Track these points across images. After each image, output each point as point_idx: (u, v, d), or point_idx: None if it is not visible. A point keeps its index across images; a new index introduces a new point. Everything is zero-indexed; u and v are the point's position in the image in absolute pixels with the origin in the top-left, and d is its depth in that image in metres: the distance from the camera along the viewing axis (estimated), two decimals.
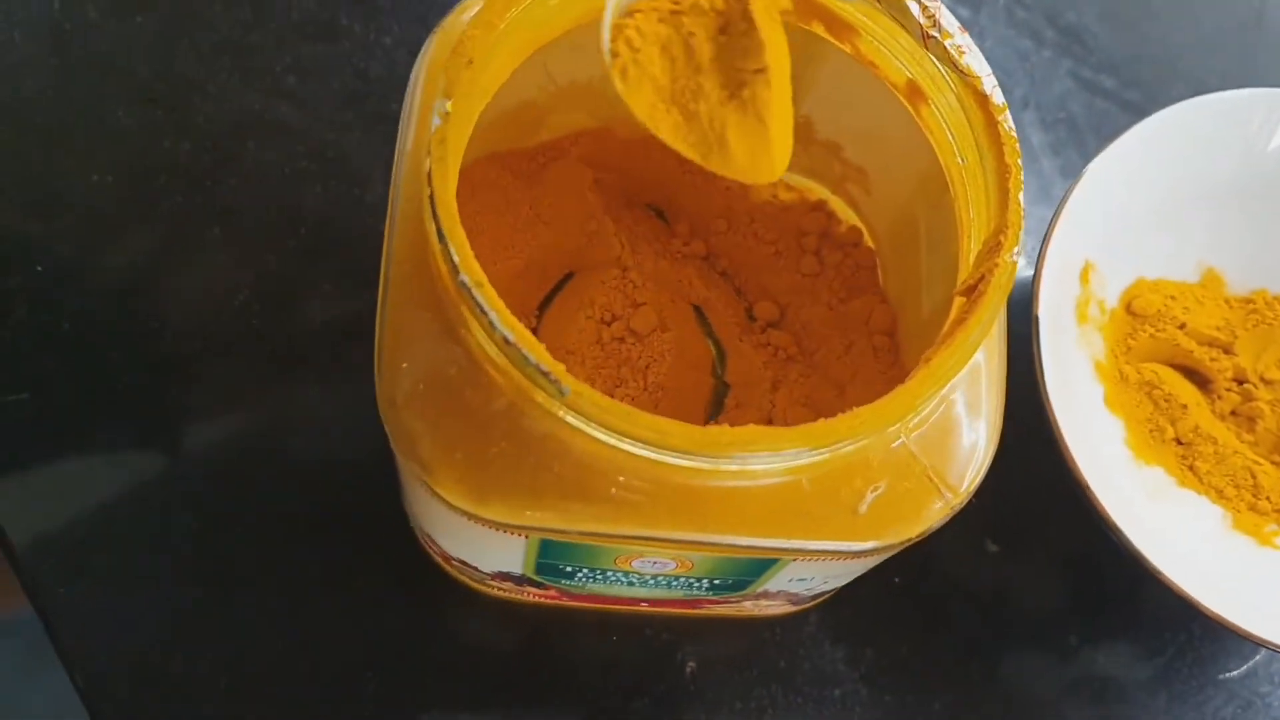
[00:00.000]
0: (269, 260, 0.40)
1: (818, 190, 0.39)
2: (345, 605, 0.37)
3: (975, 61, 0.27)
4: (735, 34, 0.25)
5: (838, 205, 0.39)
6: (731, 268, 0.40)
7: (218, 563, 0.37)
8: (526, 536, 0.28)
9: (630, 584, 0.32)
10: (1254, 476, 0.38)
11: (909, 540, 0.28)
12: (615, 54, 0.25)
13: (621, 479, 0.25)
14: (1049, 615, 0.39)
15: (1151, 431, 0.38)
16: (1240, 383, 0.39)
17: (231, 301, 0.39)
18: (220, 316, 0.39)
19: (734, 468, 0.25)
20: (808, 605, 0.37)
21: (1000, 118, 0.27)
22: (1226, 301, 0.40)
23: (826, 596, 0.37)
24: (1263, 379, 0.39)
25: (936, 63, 0.28)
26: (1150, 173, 0.38)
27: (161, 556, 0.37)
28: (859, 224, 0.38)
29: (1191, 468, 0.38)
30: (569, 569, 0.31)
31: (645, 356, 0.37)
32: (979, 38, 0.46)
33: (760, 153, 0.26)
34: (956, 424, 0.28)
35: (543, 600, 0.37)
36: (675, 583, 0.32)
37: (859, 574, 0.34)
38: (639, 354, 0.37)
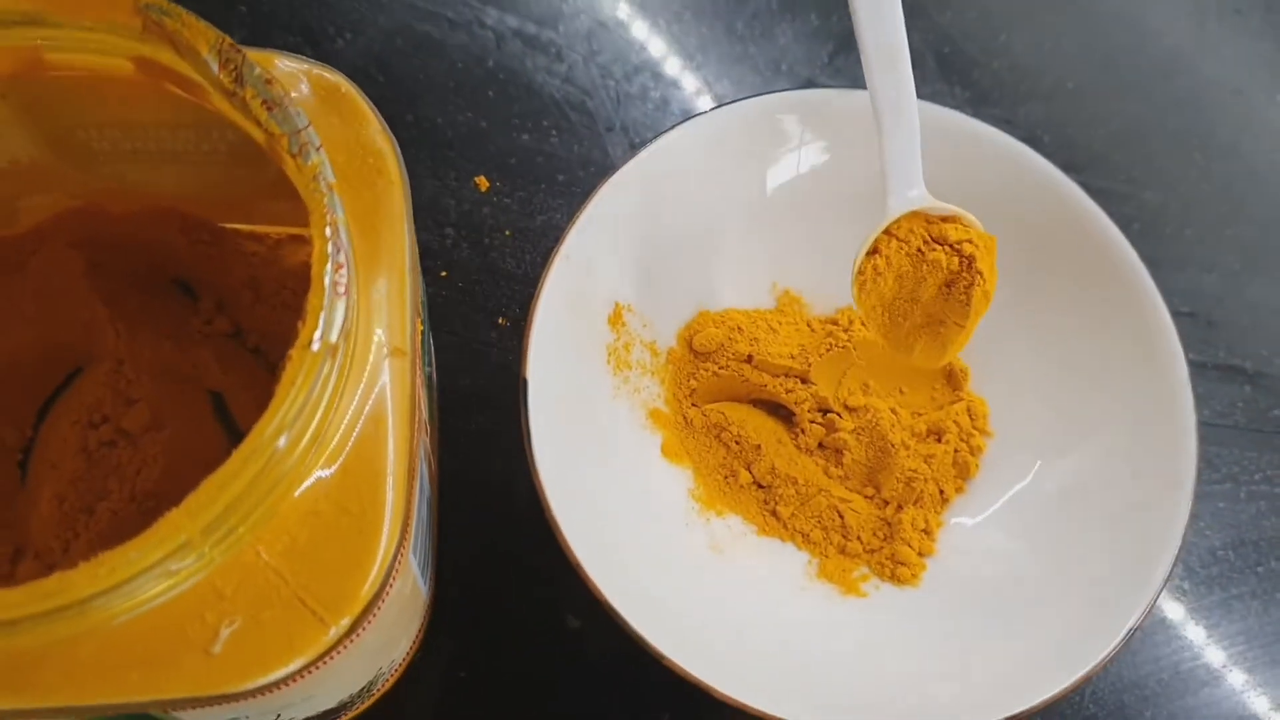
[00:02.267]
0: None
1: None
2: None
3: (283, 117, 0.23)
4: (955, 294, 0.32)
5: None
6: (264, 343, 0.36)
7: None
8: None
9: None
10: (841, 516, 0.34)
11: (289, 675, 0.24)
12: (862, 271, 0.32)
13: None
14: (640, 691, 0.35)
15: (726, 478, 0.35)
16: (825, 412, 0.36)
17: None
18: None
19: None
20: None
21: (314, 176, 0.23)
22: (808, 325, 0.37)
23: (372, 699, 0.33)
24: (846, 406, 0.36)
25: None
26: (676, 196, 0.34)
27: None
28: None
29: (774, 512, 0.35)
30: None
31: (136, 461, 0.33)
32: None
33: (933, 360, 0.34)
34: (339, 533, 0.24)
35: None
36: None
37: (348, 695, 0.30)
38: (129, 459, 0.33)
